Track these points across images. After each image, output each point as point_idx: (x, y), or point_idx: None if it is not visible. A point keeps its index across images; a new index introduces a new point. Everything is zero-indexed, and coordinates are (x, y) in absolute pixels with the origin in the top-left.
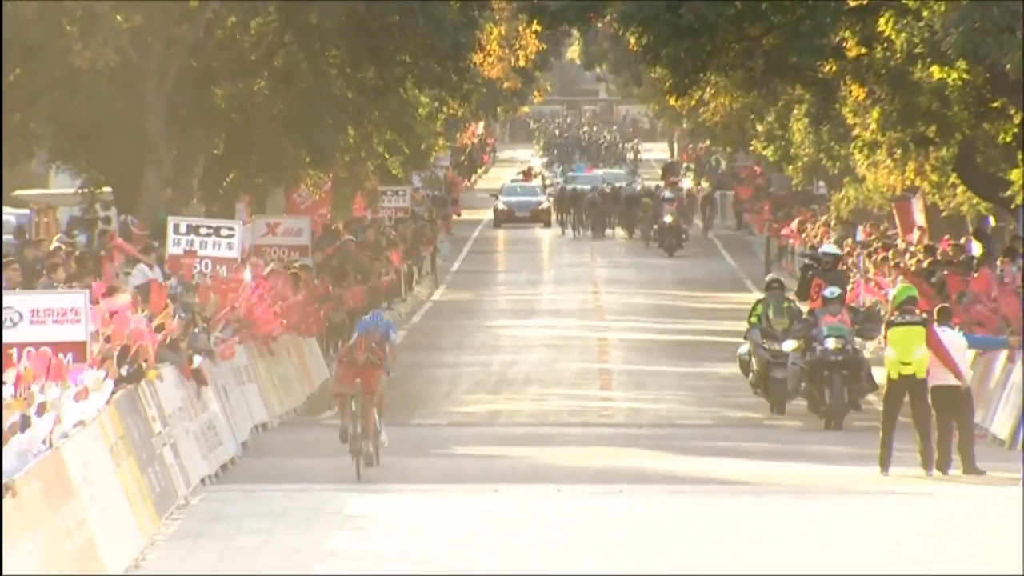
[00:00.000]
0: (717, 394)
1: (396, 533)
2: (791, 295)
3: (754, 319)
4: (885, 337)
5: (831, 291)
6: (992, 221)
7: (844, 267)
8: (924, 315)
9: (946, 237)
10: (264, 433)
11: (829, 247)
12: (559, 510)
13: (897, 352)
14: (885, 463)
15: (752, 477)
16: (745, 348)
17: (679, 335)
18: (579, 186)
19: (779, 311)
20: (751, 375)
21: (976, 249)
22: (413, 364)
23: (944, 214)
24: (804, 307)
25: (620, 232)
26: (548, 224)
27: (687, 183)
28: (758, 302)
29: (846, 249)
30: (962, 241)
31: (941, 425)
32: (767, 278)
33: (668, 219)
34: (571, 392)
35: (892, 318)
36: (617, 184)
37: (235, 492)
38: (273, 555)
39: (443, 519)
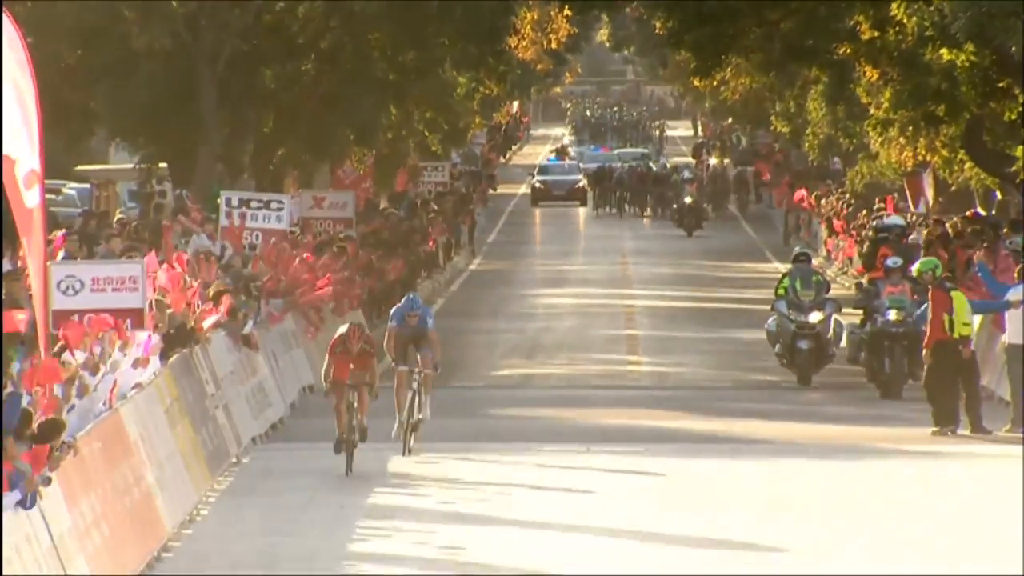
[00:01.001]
0: (738, 358)
1: (435, 489)
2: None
3: (781, 291)
4: (949, 305)
5: (893, 261)
6: (998, 194)
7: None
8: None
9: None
10: (311, 395)
11: (895, 219)
12: (588, 468)
13: (960, 314)
14: (952, 419)
15: (771, 436)
16: (772, 320)
17: (702, 303)
18: (604, 164)
19: (806, 283)
20: (777, 346)
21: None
22: (452, 330)
23: (952, 188)
24: (863, 278)
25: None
26: (584, 203)
27: (713, 160)
28: (785, 274)
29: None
30: (968, 214)
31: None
32: (795, 250)
33: (688, 200)
34: (600, 357)
35: (940, 283)
36: (634, 163)
37: (283, 451)
38: (319, 510)
39: (480, 476)
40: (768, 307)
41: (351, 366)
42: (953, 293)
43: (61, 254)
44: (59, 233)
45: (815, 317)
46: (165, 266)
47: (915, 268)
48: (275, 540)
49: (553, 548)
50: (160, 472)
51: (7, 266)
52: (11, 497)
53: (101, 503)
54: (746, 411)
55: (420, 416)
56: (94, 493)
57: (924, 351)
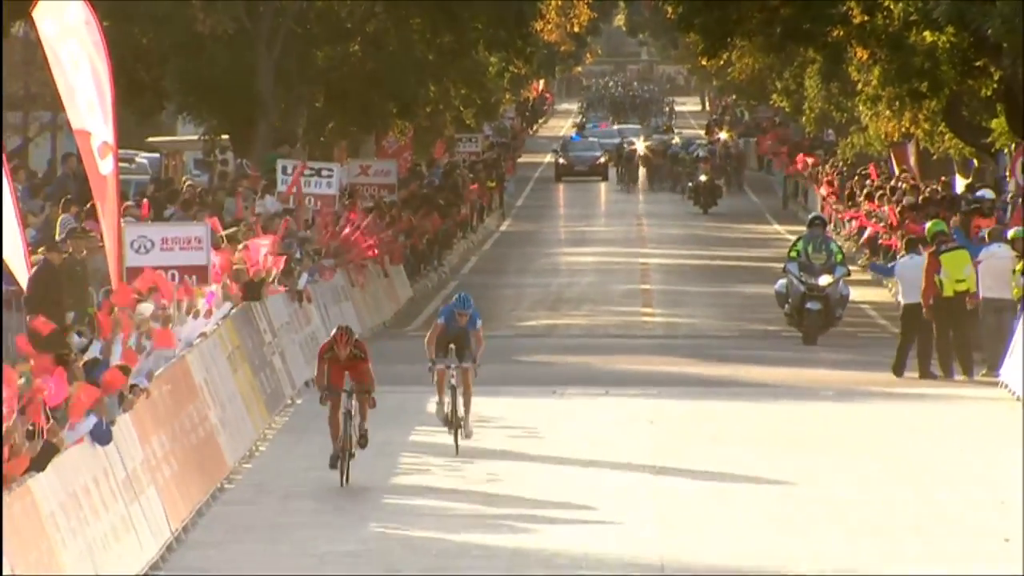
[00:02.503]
0: (742, 311)
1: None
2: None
3: (793, 253)
4: (936, 264)
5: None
6: (975, 163)
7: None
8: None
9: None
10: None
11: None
12: (607, 409)
13: (950, 273)
14: (948, 368)
15: (771, 380)
16: (782, 282)
17: (709, 260)
18: (621, 142)
19: (818, 247)
20: (786, 306)
21: (960, 187)
22: (484, 285)
23: (934, 157)
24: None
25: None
26: (605, 178)
27: (723, 135)
28: (799, 238)
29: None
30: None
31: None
32: (810, 216)
33: (703, 178)
34: (617, 309)
35: (935, 248)
36: (639, 139)
37: None
38: (367, 447)
39: (510, 416)
40: (770, 264)
41: (345, 373)
42: (943, 256)
43: (149, 218)
44: (144, 200)
45: (824, 280)
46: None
47: (927, 228)
48: (326, 473)
49: (575, 481)
50: (223, 412)
51: (71, 223)
52: (87, 423)
53: (170, 440)
54: (749, 358)
55: (463, 423)
56: (164, 431)
57: (923, 308)
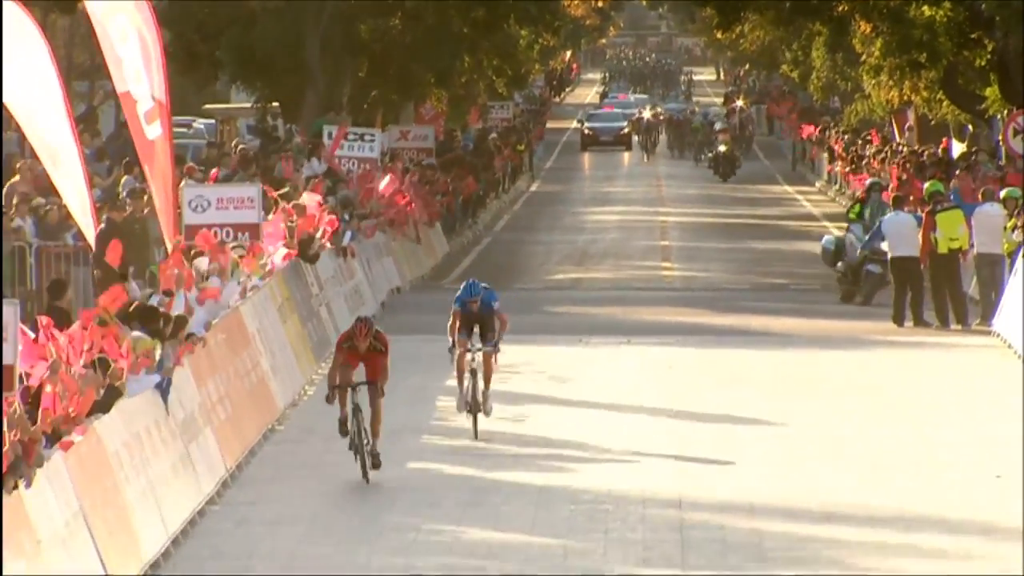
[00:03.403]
0: (753, 265)
1: (500, 375)
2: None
3: (853, 215)
4: (931, 223)
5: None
6: (970, 128)
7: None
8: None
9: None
10: (398, 295)
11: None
12: (629, 356)
13: (945, 231)
14: (944, 318)
15: (780, 329)
16: (830, 238)
17: (723, 218)
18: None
19: (876, 211)
20: (841, 264)
21: (956, 151)
22: (514, 241)
23: (932, 123)
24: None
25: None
26: (629, 147)
27: (740, 103)
28: (858, 200)
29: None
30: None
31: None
32: (867, 182)
33: (722, 148)
34: (639, 264)
35: (931, 207)
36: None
37: None
38: (405, 392)
39: (538, 362)
40: (780, 222)
41: (360, 364)
42: (938, 216)
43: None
44: (214, 170)
45: (885, 245)
46: (307, 195)
47: (925, 188)
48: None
49: (598, 423)
50: (273, 359)
51: (132, 184)
52: (149, 380)
53: (225, 385)
54: (760, 309)
55: (483, 402)
56: (219, 376)
57: (921, 264)
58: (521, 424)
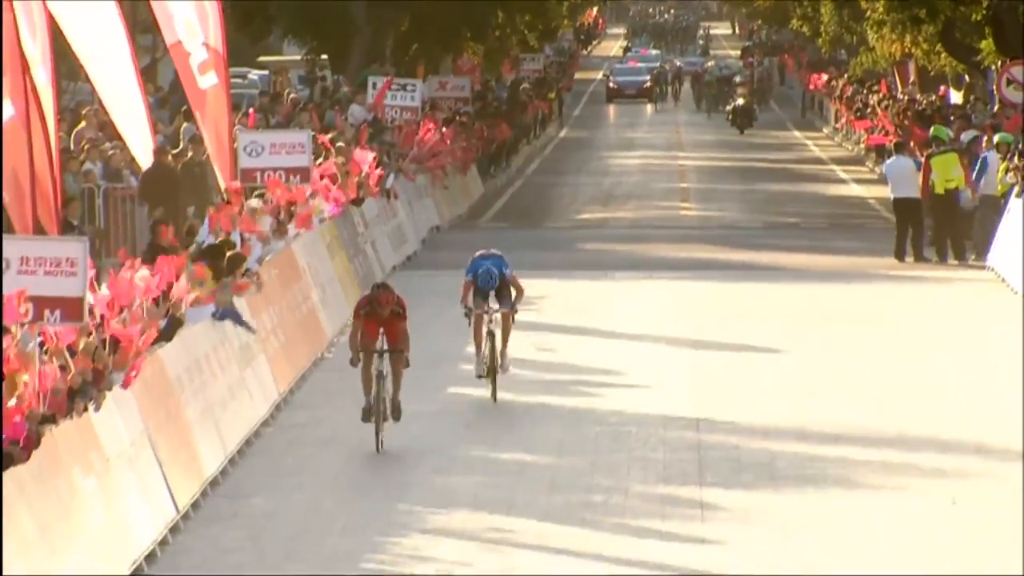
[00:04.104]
0: (766, 205)
1: (532, 305)
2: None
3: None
4: (928, 166)
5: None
6: (967, 78)
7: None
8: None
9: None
10: (437, 233)
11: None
12: (650, 290)
13: (940, 173)
14: (943, 254)
15: (791, 264)
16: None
17: (738, 162)
18: (663, 66)
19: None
20: None
21: (953, 99)
22: (545, 184)
23: (932, 73)
24: None
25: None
26: (652, 100)
27: (756, 59)
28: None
29: None
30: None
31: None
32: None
33: (740, 101)
34: (659, 203)
35: (931, 151)
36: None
37: (417, 276)
38: (443, 324)
39: (567, 295)
40: (790, 166)
41: (380, 330)
42: (933, 159)
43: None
44: (251, 111)
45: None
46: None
47: (931, 132)
48: (417, 342)
49: (622, 351)
50: (322, 293)
51: (192, 131)
52: (207, 310)
53: (278, 316)
54: (772, 245)
55: (501, 361)
56: (273, 308)
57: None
58: (551, 352)
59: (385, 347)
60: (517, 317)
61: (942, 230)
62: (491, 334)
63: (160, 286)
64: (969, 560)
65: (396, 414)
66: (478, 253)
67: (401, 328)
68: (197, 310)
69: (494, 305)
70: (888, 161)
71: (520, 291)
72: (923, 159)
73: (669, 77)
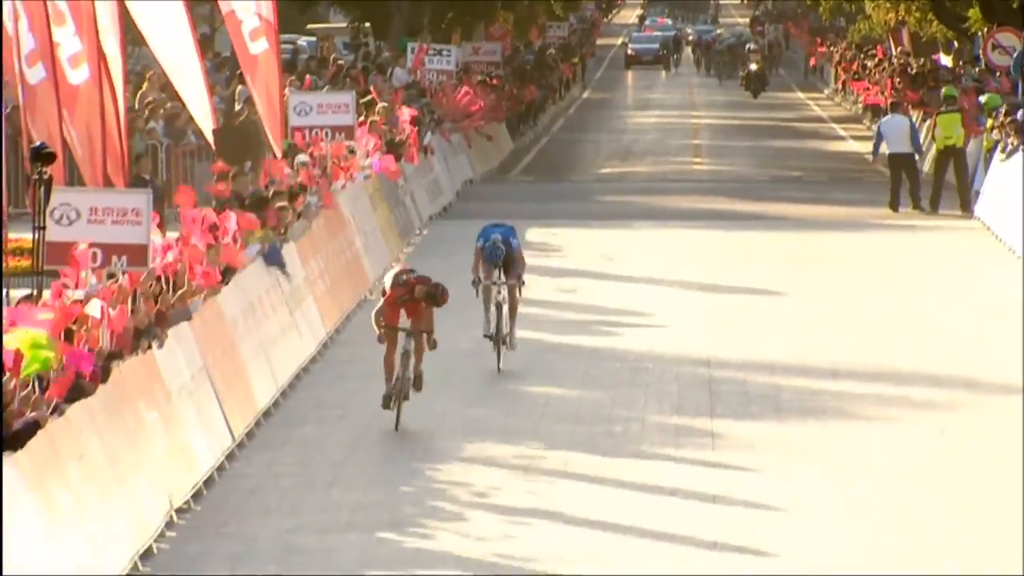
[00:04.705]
0: (772, 160)
1: (558, 251)
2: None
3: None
4: (934, 122)
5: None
6: (956, 44)
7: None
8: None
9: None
10: (470, 186)
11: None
12: (666, 237)
13: (943, 130)
14: (937, 202)
15: (795, 214)
16: None
17: (746, 121)
18: (676, 34)
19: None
20: None
21: (944, 62)
22: (569, 140)
23: (924, 39)
24: None
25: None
26: (667, 67)
27: (767, 27)
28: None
29: None
30: (934, 57)
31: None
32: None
33: (753, 67)
34: (674, 158)
35: (941, 108)
36: (707, 33)
37: (454, 226)
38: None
39: (589, 243)
40: (794, 124)
41: (401, 311)
42: (939, 116)
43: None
44: (308, 77)
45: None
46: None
47: (942, 92)
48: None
49: (639, 294)
50: (365, 240)
51: (247, 94)
52: (254, 249)
53: (324, 261)
54: (778, 197)
55: (509, 337)
56: (320, 255)
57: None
58: (575, 294)
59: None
60: (542, 264)
61: (940, 183)
62: (499, 305)
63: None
64: (955, 485)
65: (418, 384)
66: (488, 222)
67: (427, 312)
68: (250, 256)
69: (502, 277)
70: (884, 119)
71: (523, 264)
72: (933, 116)
73: (671, 45)
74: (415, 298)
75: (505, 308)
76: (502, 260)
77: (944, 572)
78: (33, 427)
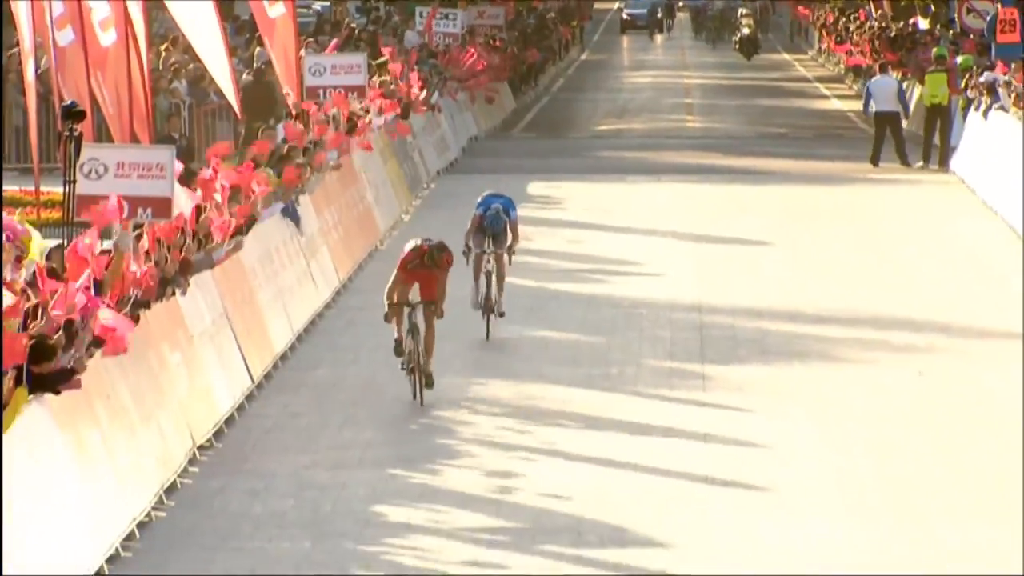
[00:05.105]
0: (760, 117)
1: (558, 204)
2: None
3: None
4: (922, 81)
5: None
6: (932, 8)
7: None
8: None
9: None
10: (475, 142)
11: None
12: (660, 191)
13: (930, 89)
14: (928, 157)
15: (781, 169)
16: None
17: (734, 81)
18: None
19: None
20: None
21: (921, 25)
22: (568, 99)
23: (903, 4)
24: None
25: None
26: (662, 30)
27: None
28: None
29: None
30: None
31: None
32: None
33: (746, 31)
34: (667, 116)
35: (930, 68)
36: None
37: (457, 179)
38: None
39: (587, 196)
40: (780, 83)
41: (415, 283)
42: (928, 75)
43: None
44: (334, 40)
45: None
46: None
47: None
48: (455, 238)
49: (635, 244)
50: (376, 193)
51: (265, 56)
52: (277, 207)
53: (338, 213)
54: (765, 152)
55: (496, 304)
56: (333, 206)
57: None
58: (574, 244)
59: (419, 299)
60: (543, 216)
61: (930, 139)
62: (488, 275)
63: (247, 188)
64: (933, 424)
65: (429, 383)
66: (489, 192)
67: (440, 279)
68: (269, 209)
69: (491, 248)
70: (873, 79)
71: (517, 238)
72: (916, 75)
73: (664, 9)
74: (425, 264)
75: (493, 277)
76: (500, 230)
77: (920, 506)
78: (70, 373)
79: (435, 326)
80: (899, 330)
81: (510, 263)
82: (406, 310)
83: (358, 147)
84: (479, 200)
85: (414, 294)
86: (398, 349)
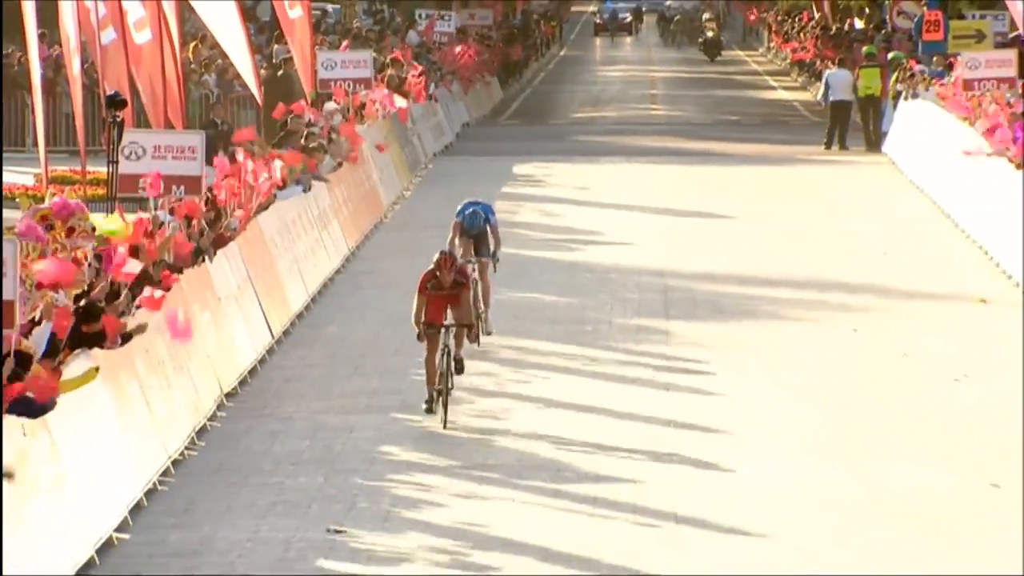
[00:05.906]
0: (717, 106)
1: (540, 183)
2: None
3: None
4: (857, 75)
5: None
6: (867, 10)
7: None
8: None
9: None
10: (468, 128)
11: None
12: (630, 171)
13: (864, 81)
14: (871, 144)
15: (738, 152)
16: None
17: (693, 74)
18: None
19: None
20: None
21: (858, 25)
22: (549, 91)
23: (841, 6)
24: None
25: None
26: (631, 33)
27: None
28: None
29: None
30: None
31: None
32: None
33: (710, 34)
34: (635, 106)
35: (862, 64)
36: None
37: (454, 161)
38: (476, 193)
39: (565, 177)
40: (733, 76)
41: (447, 306)
42: (861, 71)
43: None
44: (345, 41)
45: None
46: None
47: (864, 50)
48: (452, 213)
49: (608, 218)
50: (380, 173)
51: (284, 53)
52: (294, 188)
53: (347, 190)
54: (723, 137)
55: (483, 318)
56: (343, 184)
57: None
58: (553, 217)
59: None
60: (527, 192)
61: (868, 125)
62: (475, 282)
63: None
64: (867, 373)
65: (459, 368)
66: (468, 199)
67: (465, 298)
68: (289, 189)
69: (473, 258)
70: (831, 72)
71: (498, 243)
72: (856, 70)
73: (633, 14)
74: (446, 286)
75: (479, 290)
76: (479, 230)
77: (859, 444)
78: (128, 337)
79: (463, 345)
80: (837, 292)
81: (495, 270)
82: (442, 331)
83: (374, 146)
84: (458, 208)
85: (448, 317)
86: (429, 407)
